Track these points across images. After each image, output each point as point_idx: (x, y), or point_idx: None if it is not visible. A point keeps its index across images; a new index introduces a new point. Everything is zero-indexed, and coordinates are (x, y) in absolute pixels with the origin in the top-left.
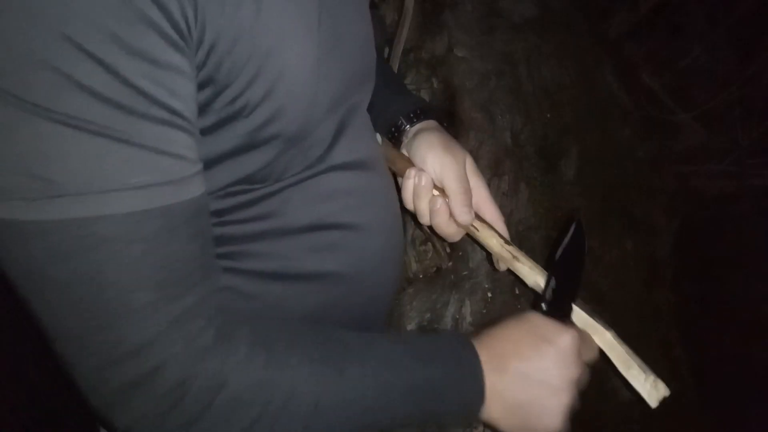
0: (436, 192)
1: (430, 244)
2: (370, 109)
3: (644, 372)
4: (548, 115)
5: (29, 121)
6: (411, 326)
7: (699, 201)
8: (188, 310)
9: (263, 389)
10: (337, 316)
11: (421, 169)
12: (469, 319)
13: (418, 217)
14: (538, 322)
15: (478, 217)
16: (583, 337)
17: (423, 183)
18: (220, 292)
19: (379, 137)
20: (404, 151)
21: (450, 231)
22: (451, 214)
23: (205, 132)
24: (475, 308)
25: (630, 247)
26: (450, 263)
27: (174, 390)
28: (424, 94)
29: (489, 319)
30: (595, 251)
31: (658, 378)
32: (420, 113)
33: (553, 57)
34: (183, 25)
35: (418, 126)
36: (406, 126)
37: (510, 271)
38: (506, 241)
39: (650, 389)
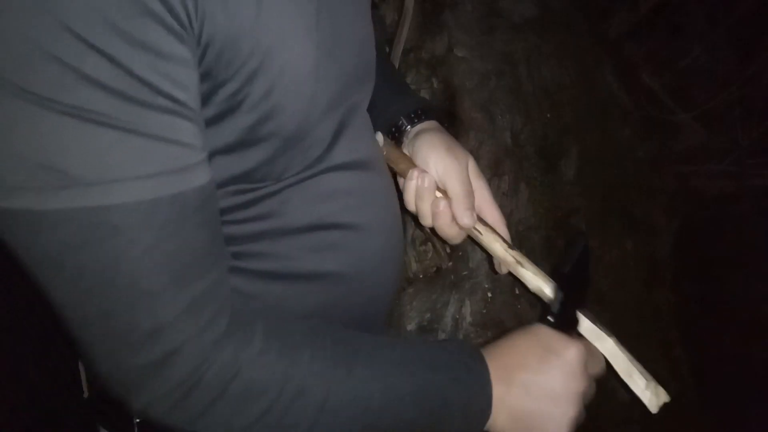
0: (438, 194)
1: (430, 244)
2: (371, 108)
3: (645, 379)
4: (548, 115)
5: (37, 113)
6: (411, 326)
7: (699, 201)
8: (201, 296)
9: (275, 382)
10: (337, 316)
11: (423, 171)
12: (469, 319)
13: (420, 218)
14: (545, 335)
15: (480, 219)
16: (590, 349)
17: (426, 185)
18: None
19: (381, 137)
20: (406, 152)
21: (452, 233)
22: (453, 217)
23: (205, 124)
24: (475, 308)
25: (630, 247)
26: (450, 263)
27: (189, 376)
28: (424, 94)
29: (498, 332)
30: (595, 251)
31: (659, 385)
32: (421, 113)
33: (553, 57)
34: (184, 17)
35: (419, 126)
36: (407, 126)
37: (511, 273)
38: (509, 246)
39: (651, 396)
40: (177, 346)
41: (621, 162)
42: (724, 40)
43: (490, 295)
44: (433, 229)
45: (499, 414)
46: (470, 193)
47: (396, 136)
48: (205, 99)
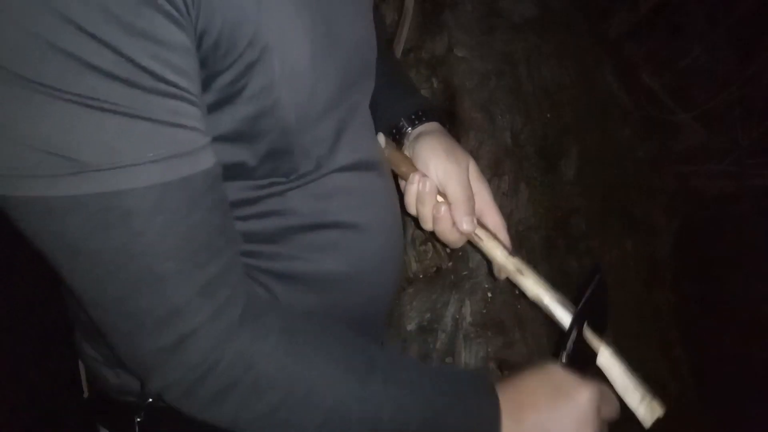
0: (440, 198)
1: (430, 244)
2: (375, 108)
3: (640, 393)
4: (548, 115)
5: (44, 103)
6: (411, 326)
7: (699, 201)
8: (214, 279)
9: (285, 380)
10: (337, 315)
11: (424, 175)
12: (469, 319)
13: (420, 222)
14: (557, 375)
15: (481, 224)
16: (603, 393)
17: (427, 189)
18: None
19: (382, 138)
20: (406, 153)
21: (453, 238)
22: (453, 222)
23: (207, 110)
24: (475, 308)
25: (630, 247)
26: (450, 263)
27: (203, 361)
28: (424, 94)
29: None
30: (595, 251)
31: (655, 398)
32: (422, 115)
33: (553, 57)
34: (181, 4)
35: (420, 128)
36: (407, 128)
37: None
38: (510, 253)
39: (645, 410)
40: (192, 330)
41: (621, 162)
42: (724, 40)
43: (490, 295)
44: (433, 233)
45: None
46: (470, 198)
47: (397, 138)
48: (204, 86)
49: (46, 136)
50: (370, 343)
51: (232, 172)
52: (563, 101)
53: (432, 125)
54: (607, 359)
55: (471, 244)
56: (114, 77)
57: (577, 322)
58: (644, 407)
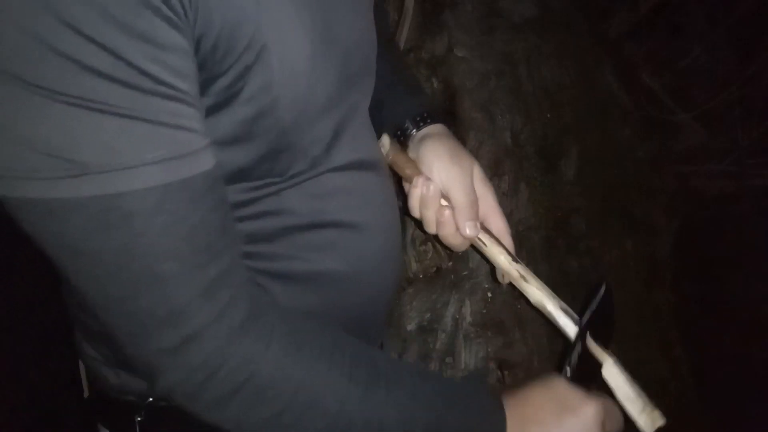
0: (443, 202)
1: (430, 244)
2: (379, 108)
3: (641, 402)
4: (548, 115)
5: (43, 105)
6: (411, 326)
7: (699, 201)
8: (216, 280)
9: (289, 388)
10: (336, 315)
11: (428, 178)
12: (469, 319)
13: (424, 226)
14: (562, 390)
15: (485, 229)
16: (608, 407)
17: (431, 193)
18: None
19: (386, 140)
20: (411, 156)
21: (456, 242)
22: (457, 227)
23: (205, 113)
24: (475, 308)
25: (630, 247)
26: (450, 263)
27: (207, 363)
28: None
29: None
30: (595, 251)
31: (656, 409)
32: (427, 117)
33: (553, 57)
34: (179, 6)
35: (424, 131)
36: (412, 130)
37: (512, 285)
38: (514, 259)
39: (646, 419)
40: (194, 332)
41: (621, 162)
42: (724, 40)
43: (490, 295)
44: (437, 236)
45: None
46: (474, 203)
47: (401, 140)
48: (202, 89)
49: (45, 137)
50: (373, 349)
51: (228, 175)
52: (563, 101)
53: (437, 127)
54: (610, 369)
55: (474, 249)
56: (112, 79)
57: (582, 336)
58: (645, 417)
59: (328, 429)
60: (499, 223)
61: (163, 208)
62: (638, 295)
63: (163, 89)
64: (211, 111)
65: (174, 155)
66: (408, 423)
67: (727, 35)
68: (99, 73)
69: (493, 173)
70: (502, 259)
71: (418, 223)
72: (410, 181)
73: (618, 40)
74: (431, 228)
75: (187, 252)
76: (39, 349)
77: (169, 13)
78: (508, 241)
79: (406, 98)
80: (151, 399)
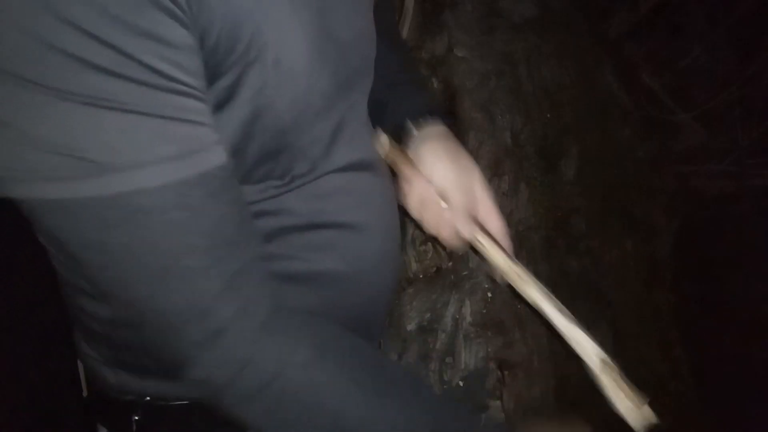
0: (443, 204)
1: (430, 244)
2: (381, 106)
3: (633, 399)
4: (548, 115)
5: (53, 105)
6: (411, 326)
7: (699, 201)
8: (239, 272)
9: (313, 396)
10: (335, 315)
11: (428, 180)
12: (469, 319)
13: (423, 226)
14: None
15: (484, 230)
16: None
17: (430, 194)
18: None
19: (385, 138)
20: (411, 155)
21: (455, 243)
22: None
23: None
24: (475, 308)
25: (630, 247)
26: (450, 263)
27: (236, 358)
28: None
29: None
30: (595, 251)
31: (646, 405)
32: (428, 116)
33: (553, 57)
34: (183, 2)
35: (425, 131)
36: (413, 129)
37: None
38: (512, 260)
39: (637, 416)
40: (222, 326)
41: (621, 162)
42: (724, 40)
43: (490, 295)
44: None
45: None
46: (472, 204)
47: (401, 139)
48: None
49: (55, 136)
50: (392, 363)
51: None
52: (563, 101)
53: (437, 128)
54: (599, 364)
55: (473, 249)
56: (120, 76)
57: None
58: (635, 414)
59: None
60: (496, 226)
61: (182, 203)
62: (638, 295)
63: (172, 85)
64: (218, 107)
65: (190, 150)
66: None
67: (727, 35)
68: (106, 71)
69: (493, 173)
70: (500, 259)
71: (418, 224)
72: (408, 180)
73: (618, 40)
74: (430, 229)
75: (209, 247)
76: (39, 349)
77: (175, 9)
78: (506, 243)
79: (410, 97)
80: (148, 398)
